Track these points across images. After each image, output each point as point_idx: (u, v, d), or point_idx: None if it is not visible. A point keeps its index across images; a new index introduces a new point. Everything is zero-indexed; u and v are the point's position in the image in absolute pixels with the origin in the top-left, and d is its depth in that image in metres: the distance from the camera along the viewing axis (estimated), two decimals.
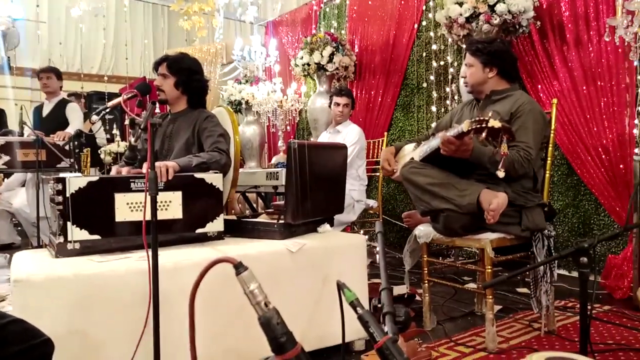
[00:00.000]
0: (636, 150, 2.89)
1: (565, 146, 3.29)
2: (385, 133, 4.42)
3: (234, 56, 5.35)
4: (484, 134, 1.90)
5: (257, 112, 5.30)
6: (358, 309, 1.03)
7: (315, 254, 2.12)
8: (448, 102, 4.15)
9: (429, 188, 2.25)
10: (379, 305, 1.12)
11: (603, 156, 3.10)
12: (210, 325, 1.78)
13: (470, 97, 2.57)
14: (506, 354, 2.15)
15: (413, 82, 4.52)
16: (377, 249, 1.08)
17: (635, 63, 2.90)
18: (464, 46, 3.99)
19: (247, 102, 5.37)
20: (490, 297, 2.21)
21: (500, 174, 1.89)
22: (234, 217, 2.53)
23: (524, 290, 3.03)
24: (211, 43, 7.27)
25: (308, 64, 4.77)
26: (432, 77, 4.29)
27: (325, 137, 4.13)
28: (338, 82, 4.96)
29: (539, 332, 2.36)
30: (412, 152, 2.52)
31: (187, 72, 2.46)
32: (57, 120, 4.31)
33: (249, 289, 0.76)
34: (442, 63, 4.22)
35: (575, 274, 3.19)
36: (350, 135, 3.82)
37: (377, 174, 4.20)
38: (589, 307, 1.50)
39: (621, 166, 3.00)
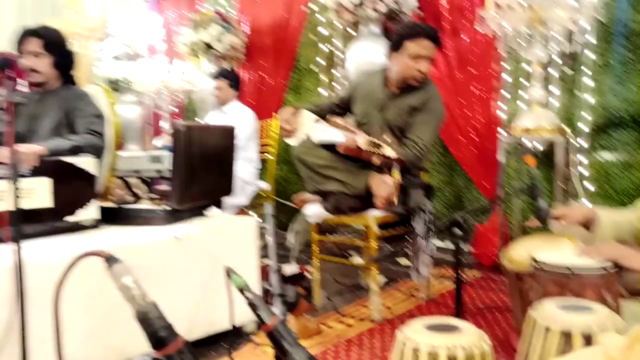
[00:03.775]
0: (501, 131, 3.19)
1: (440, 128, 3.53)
2: (276, 114, 4.39)
3: (112, 31, 4.94)
4: (378, 160, 2.06)
5: (139, 91, 4.98)
6: (247, 293, 1.02)
7: (204, 239, 2.06)
8: (336, 85, 4.23)
9: (321, 170, 2.29)
10: (269, 288, 1.12)
11: (474, 136, 3.39)
12: (89, 322, 1.65)
13: (367, 76, 2.60)
14: (390, 322, 2.28)
15: (304, 64, 4.54)
16: (268, 230, 1.07)
17: (502, 52, 3.18)
18: (353, 32, 4.09)
19: (127, 81, 5.01)
20: (375, 270, 2.33)
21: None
22: (113, 205, 2.36)
23: (406, 261, 3.24)
24: (86, 16, 6.64)
25: (195, 43, 4.57)
26: (321, 61, 4.34)
27: (211, 118, 4.02)
28: (227, 62, 4.82)
29: (420, 301, 2.54)
30: (311, 124, 2.50)
31: (64, 50, 2.22)
32: None
33: (122, 283, 0.70)
34: (331, 47, 4.28)
35: (450, 244, 3.47)
36: (239, 116, 3.75)
37: (269, 156, 4.18)
38: (461, 274, 1.64)
39: (488, 145, 3.29)
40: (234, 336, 2.16)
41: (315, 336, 2.15)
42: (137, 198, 2.54)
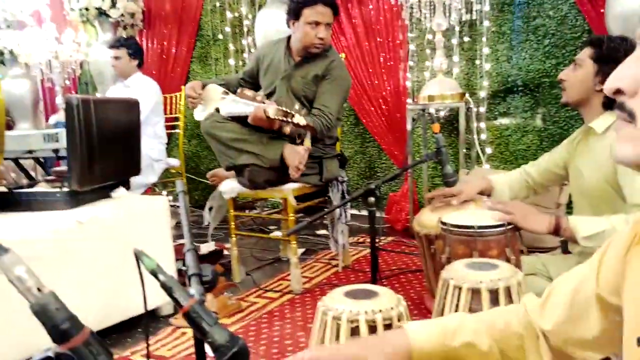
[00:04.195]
0: (409, 100, 3.30)
1: (352, 98, 3.57)
2: (183, 87, 4.20)
3: None
4: (288, 129, 2.02)
5: (25, 64, 4.51)
6: (160, 276, 0.96)
7: (111, 221, 1.94)
8: (245, 55, 4.11)
9: (233, 144, 2.24)
10: (184, 268, 1.07)
11: (383, 106, 3.47)
12: None
13: (270, 46, 2.55)
14: (310, 292, 2.32)
15: (208, 33, 4.35)
16: (180, 208, 1.02)
17: (407, 22, 3.25)
18: None
19: (11, 53, 4.51)
20: (294, 242, 2.34)
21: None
22: (4, 189, 2.14)
23: (324, 232, 3.29)
24: None
25: (87, 9, 4.19)
26: (227, 29, 4.18)
27: (113, 93, 3.75)
28: (124, 30, 4.49)
29: (337, 269, 2.60)
30: (219, 100, 2.42)
31: None
32: None
33: (14, 275, 0.62)
34: (236, 14, 4.13)
35: (365, 212, 3.58)
36: (142, 89, 3.52)
37: (177, 130, 4.00)
38: (376, 241, 1.68)
39: (397, 115, 3.39)
40: (153, 320, 2.08)
41: (237, 313, 2.12)
42: (33, 181, 2.32)
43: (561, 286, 0.75)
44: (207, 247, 2.64)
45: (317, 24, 2.28)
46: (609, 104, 1.48)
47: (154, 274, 0.96)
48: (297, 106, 2.08)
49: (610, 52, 1.51)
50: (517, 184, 1.90)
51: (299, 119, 2.02)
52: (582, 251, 1.58)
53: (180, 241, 2.57)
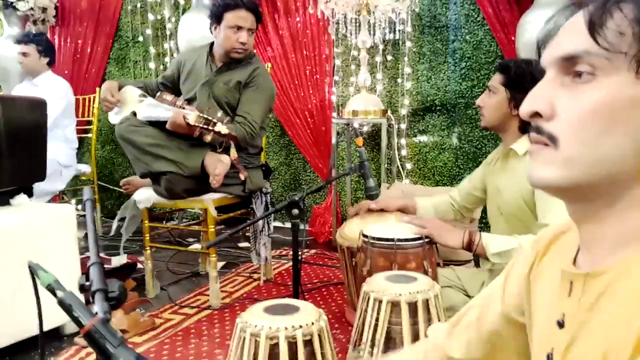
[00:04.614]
0: (334, 114, 3.33)
1: (278, 110, 3.55)
2: (98, 89, 3.96)
3: None
4: (209, 137, 1.96)
5: None
6: (57, 292, 0.87)
7: (8, 231, 1.76)
8: (167, 59, 3.96)
9: (150, 149, 2.12)
10: (87, 284, 0.98)
11: (309, 119, 3.47)
12: None
13: (192, 51, 2.48)
14: (229, 308, 2.24)
15: (128, 34, 4.15)
16: (86, 218, 0.93)
17: (333, 37, 3.30)
18: (181, 1, 3.86)
19: None
20: (214, 255, 2.25)
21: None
22: None
23: (246, 244, 3.21)
24: None
25: None
26: (148, 31, 4.01)
27: (19, 91, 3.45)
28: (34, 25, 4.17)
29: (259, 282, 2.54)
30: (136, 103, 2.30)
31: None
32: None
33: None
34: (159, 17, 3.98)
35: (288, 224, 3.55)
36: (52, 89, 3.27)
37: (90, 135, 3.76)
38: (299, 253, 1.66)
39: (323, 128, 3.42)
40: (55, 340, 1.91)
41: (150, 331, 2.00)
42: None
43: (470, 310, 0.75)
44: (119, 260, 2.47)
45: (238, 28, 2.24)
46: (525, 127, 1.57)
47: (51, 289, 0.87)
48: (219, 114, 2.01)
49: (518, 78, 1.60)
50: (443, 205, 1.97)
51: (221, 128, 1.96)
52: (492, 268, 1.66)
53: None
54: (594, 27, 0.48)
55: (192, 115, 1.97)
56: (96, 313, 0.88)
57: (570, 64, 0.50)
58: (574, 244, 0.57)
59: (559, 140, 0.50)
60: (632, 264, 0.44)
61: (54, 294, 0.87)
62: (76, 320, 0.84)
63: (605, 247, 0.50)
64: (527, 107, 0.53)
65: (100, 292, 0.95)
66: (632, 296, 0.45)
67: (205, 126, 1.95)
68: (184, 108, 2.07)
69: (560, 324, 0.53)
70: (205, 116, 1.97)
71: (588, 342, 0.49)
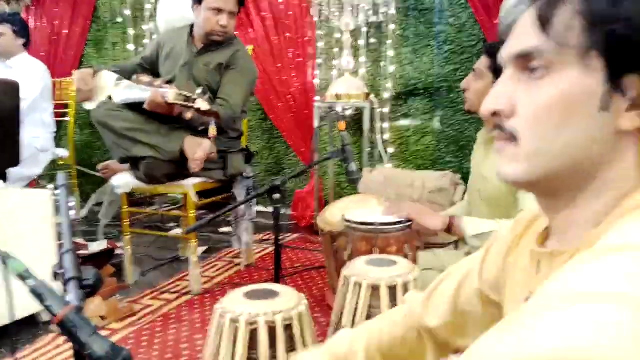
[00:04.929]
0: (316, 98, 3.31)
1: (260, 93, 3.51)
2: (75, 71, 3.86)
3: None
4: (190, 114, 1.90)
5: None
6: (29, 280, 0.85)
7: None
8: (146, 40, 3.88)
9: (128, 134, 2.08)
10: (60, 272, 0.95)
11: (291, 103, 3.44)
12: None
13: (172, 33, 2.42)
14: (210, 293, 2.23)
15: (106, 15, 4.04)
16: (60, 204, 0.91)
17: (315, 19, 3.25)
18: None
19: None
20: (194, 240, 2.23)
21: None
22: None
23: (227, 229, 3.20)
24: None
25: None
26: (127, 12, 3.91)
27: None
28: (8, 4, 4.04)
29: (240, 267, 2.53)
30: (113, 87, 2.24)
31: None
32: None
33: None
34: None
35: (271, 208, 3.54)
36: (28, 71, 3.17)
37: (67, 118, 3.67)
38: (280, 238, 1.65)
39: (305, 112, 3.39)
40: (32, 327, 1.88)
41: (129, 317, 1.98)
42: None
43: (446, 281, 0.76)
44: (98, 246, 2.44)
45: (219, 11, 2.19)
46: None
47: (22, 278, 0.85)
48: (199, 90, 1.96)
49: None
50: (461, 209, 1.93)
51: (201, 104, 1.90)
52: (469, 252, 1.67)
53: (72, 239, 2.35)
54: (543, 23, 0.48)
55: (170, 93, 1.91)
56: (69, 302, 0.86)
57: (525, 61, 0.50)
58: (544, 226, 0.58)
59: (519, 137, 0.51)
60: (594, 240, 0.44)
61: (25, 282, 0.85)
62: (48, 309, 0.83)
63: (575, 232, 0.51)
64: (487, 106, 0.53)
65: (74, 280, 0.93)
66: None
67: (185, 103, 1.90)
68: (162, 87, 2.02)
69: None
70: (185, 93, 1.91)
71: None
